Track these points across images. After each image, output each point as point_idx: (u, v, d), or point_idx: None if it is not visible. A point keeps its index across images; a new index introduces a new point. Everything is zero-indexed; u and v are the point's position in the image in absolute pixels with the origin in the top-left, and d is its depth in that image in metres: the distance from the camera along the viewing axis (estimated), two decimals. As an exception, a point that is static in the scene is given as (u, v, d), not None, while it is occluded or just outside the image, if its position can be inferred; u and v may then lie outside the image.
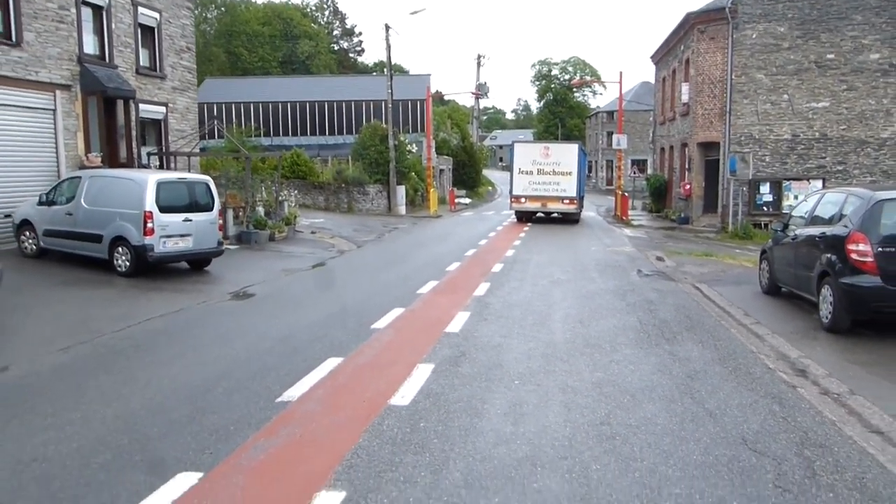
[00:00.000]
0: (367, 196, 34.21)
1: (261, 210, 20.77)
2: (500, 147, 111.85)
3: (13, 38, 15.82)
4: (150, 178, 13.41)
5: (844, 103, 24.49)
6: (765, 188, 24.62)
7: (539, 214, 30.12)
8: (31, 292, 11.52)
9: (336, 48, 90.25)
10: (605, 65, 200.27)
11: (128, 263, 13.17)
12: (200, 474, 4.73)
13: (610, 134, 58.18)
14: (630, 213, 33.34)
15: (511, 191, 29.83)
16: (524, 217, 30.12)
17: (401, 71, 64.91)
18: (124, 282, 12.73)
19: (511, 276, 14.41)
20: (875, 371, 7.56)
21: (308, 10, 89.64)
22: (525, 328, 9.54)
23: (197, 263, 14.64)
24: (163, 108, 21.72)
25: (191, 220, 13.71)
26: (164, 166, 20.87)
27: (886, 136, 24.42)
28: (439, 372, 7.26)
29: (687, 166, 29.36)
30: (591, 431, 5.64)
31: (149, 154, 20.73)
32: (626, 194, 35.82)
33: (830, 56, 24.42)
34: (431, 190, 36.46)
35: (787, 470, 4.94)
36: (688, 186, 28.73)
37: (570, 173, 28.70)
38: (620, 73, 38.66)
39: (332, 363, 7.51)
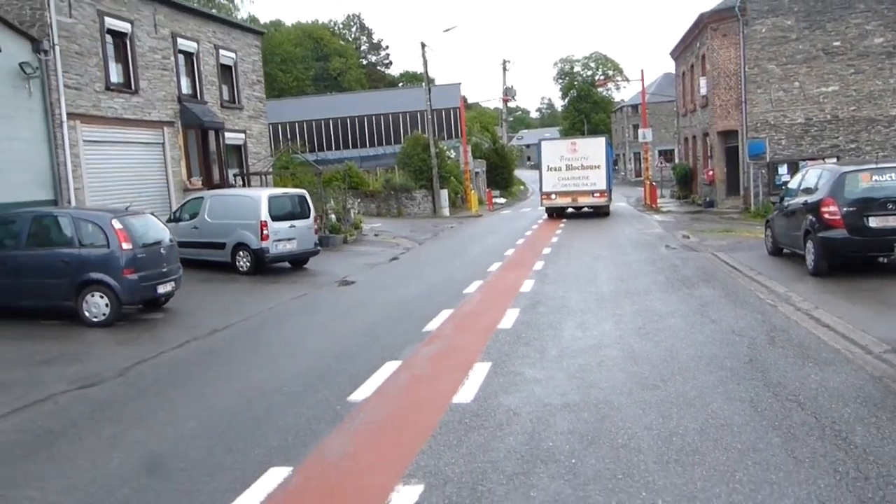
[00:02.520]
0: (414, 201, 37.27)
1: (333, 217, 23.94)
2: (528, 146, 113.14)
3: (132, 87, 19.20)
4: (263, 194, 16.59)
5: (853, 86, 26.32)
6: (783, 169, 25.95)
7: (570, 210, 30.73)
8: (185, 289, 14.58)
9: (365, 62, 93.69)
10: (627, 58, 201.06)
11: (248, 264, 16.28)
12: (399, 361, 7.86)
13: (636, 127, 59.87)
14: (659, 200, 35.02)
15: (541, 188, 30.66)
16: (555, 213, 30.79)
17: (430, 81, 67.76)
18: (246, 279, 15.83)
19: (560, 256, 17.39)
20: (839, 296, 10.41)
21: (336, 27, 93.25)
22: (579, 286, 12.60)
23: (297, 262, 17.61)
24: (242, 135, 25.04)
25: (295, 226, 16.79)
26: (246, 184, 24.12)
27: (895, 114, 26.36)
28: (525, 312, 10.38)
29: (709, 154, 31.68)
30: (632, 333, 8.72)
31: (234, 175, 24.06)
32: (655, 184, 37.30)
33: (836, 43, 26.30)
34: (472, 192, 39.44)
35: (757, 342, 7.94)
36: (711, 172, 31.03)
37: (598, 167, 29.13)
38: (642, 70, 40.80)
39: (446, 313, 10.63)
